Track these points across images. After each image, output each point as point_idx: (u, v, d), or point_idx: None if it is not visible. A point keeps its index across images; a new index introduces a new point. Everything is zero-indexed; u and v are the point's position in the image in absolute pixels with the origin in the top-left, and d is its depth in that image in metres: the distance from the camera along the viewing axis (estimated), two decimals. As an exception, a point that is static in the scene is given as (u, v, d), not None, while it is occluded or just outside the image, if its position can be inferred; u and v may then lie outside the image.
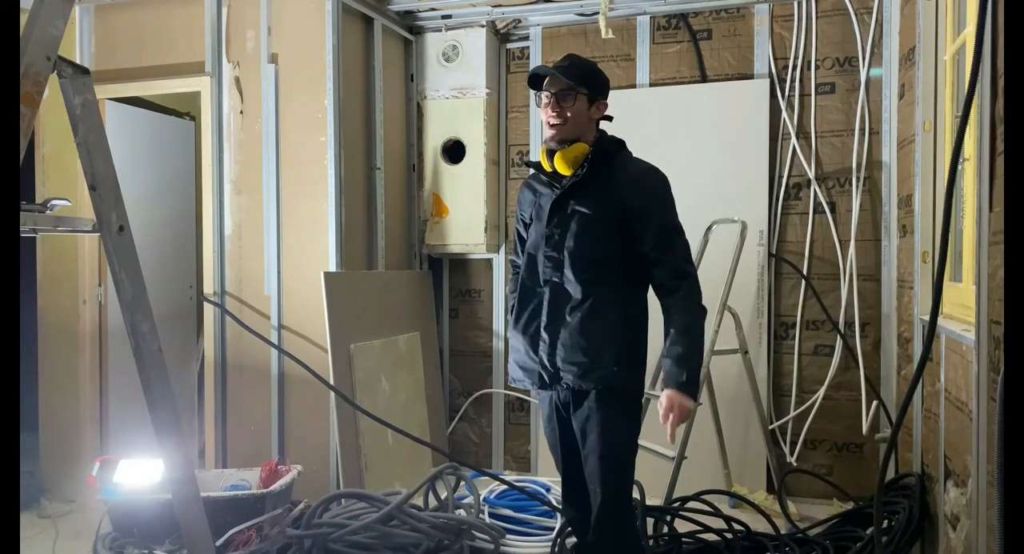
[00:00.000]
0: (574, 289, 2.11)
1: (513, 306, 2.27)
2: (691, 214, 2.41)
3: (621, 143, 2.21)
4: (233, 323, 3.62)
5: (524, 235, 2.29)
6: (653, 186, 2.14)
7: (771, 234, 3.75)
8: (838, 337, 3.66)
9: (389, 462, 3.58)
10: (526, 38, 4.19)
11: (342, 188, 3.58)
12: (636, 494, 2.51)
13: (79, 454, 3.79)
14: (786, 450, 3.72)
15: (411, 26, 4.18)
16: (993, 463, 1.55)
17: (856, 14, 3.66)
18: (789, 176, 3.76)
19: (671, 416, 2.05)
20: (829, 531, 3.01)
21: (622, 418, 2.13)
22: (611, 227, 2.10)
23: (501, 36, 4.22)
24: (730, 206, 3.64)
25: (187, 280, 4.52)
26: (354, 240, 3.73)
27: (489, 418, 4.30)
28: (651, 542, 2.87)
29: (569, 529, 2.63)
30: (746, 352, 3.50)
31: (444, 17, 4.08)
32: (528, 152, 4.19)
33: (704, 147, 3.80)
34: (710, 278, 3.01)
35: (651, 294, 2.17)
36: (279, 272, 3.63)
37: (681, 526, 2.96)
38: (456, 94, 4.10)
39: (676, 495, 3.07)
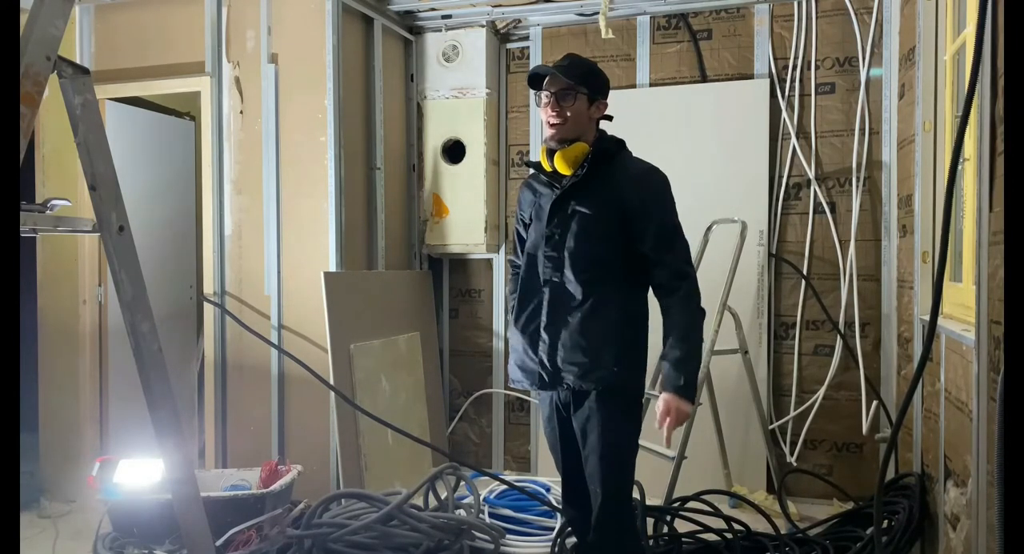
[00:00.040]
0: (574, 289, 2.11)
1: (513, 306, 2.27)
2: (691, 214, 2.41)
3: (621, 143, 2.21)
4: (233, 323, 3.62)
5: (524, 235, 2.29)
6: (653, 186, 2.13)
7: (771, 234, 3.75)
8: (838, 337, 3.66)
9: (389, 462, 3.58)
10: (526, 38, 4.19)
11: (342, 188, 3.58)
12: (636, 494, 2.51)
13: (79, 454, 3.79)
14: (786, 450, 3.72)
15: (411, 26, 4.18)
16: (993, 463, 1.55)
17: (856, 14, 3.65)
18: (789, 176, 3.76)
19: (668, 420, 2.05)
20: (829, 531, 3.01)
21: (622, 418, 2.13)
22: (611, 227, 2.10)
23: (501, 36, 4.22)
24: (730, 206, 3.64)
25: (187, 280, 4.52)
26: (354, 240, 3.73)
27: (489, 418, 4.30)
28: (651, 542, 2.87)
29: (569, 529, 2.63)
30: (746, 352, 3.50)
31: (444, 17, 4.08)
32: (528, 152, 4.19)
33: (704, 147, 3.80)
34: (710, 278, 3.02)
35: (651, 294, 2.17)
36: (279, 272, 3.63)
37: (681, 526, 2.96)
38: (456, 94, 4.10)
39: (676, 495, 3.07)
